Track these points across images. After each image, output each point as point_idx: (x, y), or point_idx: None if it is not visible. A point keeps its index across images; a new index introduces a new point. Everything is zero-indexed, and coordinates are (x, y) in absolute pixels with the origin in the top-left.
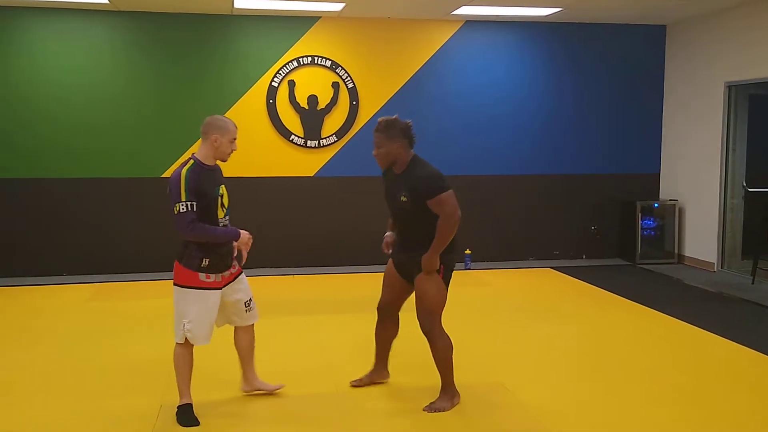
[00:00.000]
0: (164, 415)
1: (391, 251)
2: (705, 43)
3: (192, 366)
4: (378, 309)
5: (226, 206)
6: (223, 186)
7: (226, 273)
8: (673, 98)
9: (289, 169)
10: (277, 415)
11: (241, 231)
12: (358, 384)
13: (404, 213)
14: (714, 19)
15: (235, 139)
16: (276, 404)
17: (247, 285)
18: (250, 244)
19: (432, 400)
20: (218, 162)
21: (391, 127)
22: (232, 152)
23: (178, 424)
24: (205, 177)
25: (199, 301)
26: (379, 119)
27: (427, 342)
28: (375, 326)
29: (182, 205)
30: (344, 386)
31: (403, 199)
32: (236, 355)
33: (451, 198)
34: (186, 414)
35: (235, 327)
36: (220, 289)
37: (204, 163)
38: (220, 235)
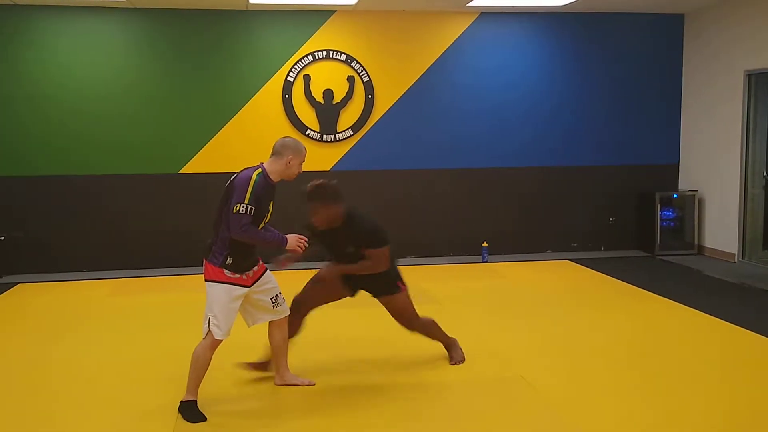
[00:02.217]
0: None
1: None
2: (723, 31)
3: (208, 366)
4: (294, 303)
5: (267, 220)
6: (272, 203)
7: (250, 272)
8: (692, 88)
9: (305, 164)
10: (301, 408)
11: (288, 236)
12: (251, 364)
13: (348, 257)
14: (732, 6)
15: (303, 161)
16: (302, 397)
17: (274, 281)
18: (302, 243)
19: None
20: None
21: (321, 195)
22: (298, 174)
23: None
24: (268, 189)
25: (224, 294)
26: (309, 187)
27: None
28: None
29: (243, 206)
30: (358, 378)
31: (351, 250)
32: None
33: (387, 252)
34: (192, 410)
35: (269, 322)
36: (248, 287)
37: (270, 177)
38: (269, 240)
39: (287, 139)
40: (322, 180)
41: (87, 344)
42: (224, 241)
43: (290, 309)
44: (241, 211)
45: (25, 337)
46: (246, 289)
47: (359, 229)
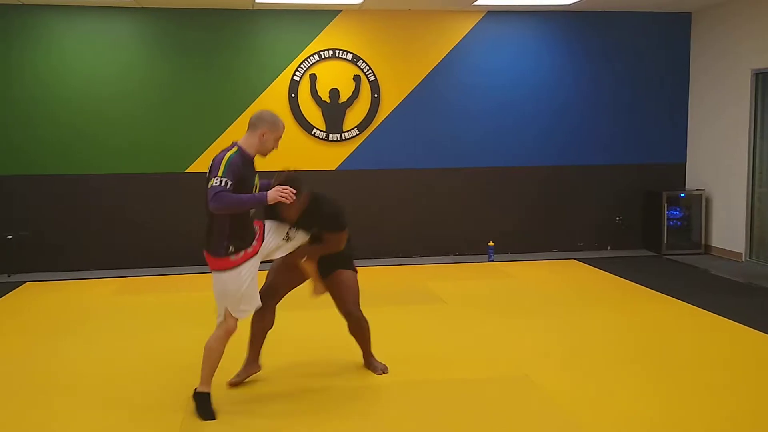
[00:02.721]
0: (192, 407)
1: None
2: (731, 30)
3: (221, 357)
4: (263, 294)
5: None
6: (257, 176)
7: (254, 242)
8: (699, 86)
9: (312, 163)
10: (312, 409)
11: (270, 191)
12: (236, 382)
13: (311, 237)
14: (740, 5)
15: (280, 137)
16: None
17: (276, 227)
18: (286, 193)
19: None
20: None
21: (297, 186)
22: (273, 150)
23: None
24: (246, 164)
25: (235, 279)
26: (284, 184)
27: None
28: (252, 316)
29: (217, 179)
30: (362, 378)
31: (314, 230)
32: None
33: (344, 236)
34: (205, 405)
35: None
36: (256, 253)
37: (246, 152)
38: (246, 201)
39: (264, 112)
40: (284, 174)
41: (93, 342)
42: (220, 228)
43: (261, 302)
44: (215, 184)
45: (33, 334)
46: (256, 257)
47: (321, 213)
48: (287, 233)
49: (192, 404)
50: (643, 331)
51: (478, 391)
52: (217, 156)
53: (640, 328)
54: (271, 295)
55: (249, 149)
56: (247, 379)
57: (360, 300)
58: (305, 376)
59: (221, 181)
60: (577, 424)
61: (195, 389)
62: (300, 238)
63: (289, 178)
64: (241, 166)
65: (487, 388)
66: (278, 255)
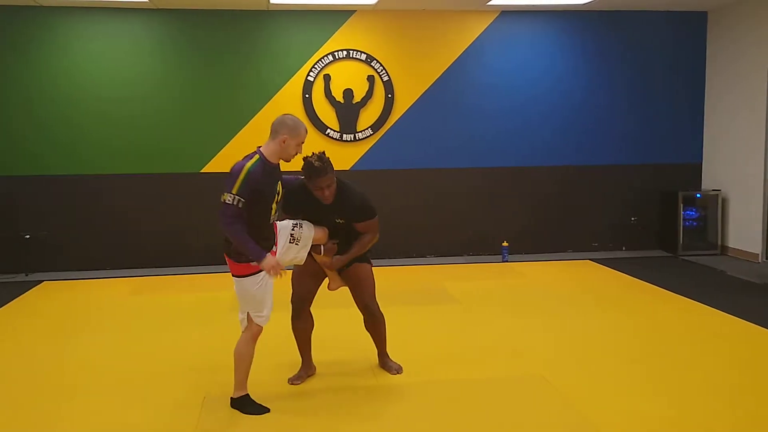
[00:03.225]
0: (208, 406)
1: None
2: (747, 29)
3: (252, 359)
4: (296, 302)
5: (279, 201)
6: (279, 183)
7: (273, 248)
8: (715, 86)
9: None
10: (327, 406)
11: (268, 256)
12: (296, 383)
13: (337, 230)
14: (757, 4)
15: (302, 143)
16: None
17: (285, 227)
18: (278, 271)
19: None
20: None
21: (330, 164)
22: (296, 155)
23: (224, 414)
24: (267, 174)
25: (254, 284)
26: (315, 162)
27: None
28: (292, 323)
29: (230, 196)
30: (374, 377)
31: (340, 221)
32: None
33: (377, 223)
34: (251, 404)
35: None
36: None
37: (269, 160)
38: (247, 249)
39: (286, 117)
40: (314, 154)
41: (109, 341)
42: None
43: (294, 313)
44: (227, 201)
45: (49, 333)
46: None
47: (349, 201)
48: (291, 235)
49: (209, 407)
50: (659, 332)
51: (493, 391)
52: (238, 163)
53: (656, 328)
54: (301, 301)
55: (271, 157)
56: (302, 380)
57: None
58: (320, 375)
59: (234, 199)
60: (594, 425)
61: (231, 397)
62: (306, 238)
63: (318, 159)
64: (261, 176)
65: (503, 388)
66: (294, 260)
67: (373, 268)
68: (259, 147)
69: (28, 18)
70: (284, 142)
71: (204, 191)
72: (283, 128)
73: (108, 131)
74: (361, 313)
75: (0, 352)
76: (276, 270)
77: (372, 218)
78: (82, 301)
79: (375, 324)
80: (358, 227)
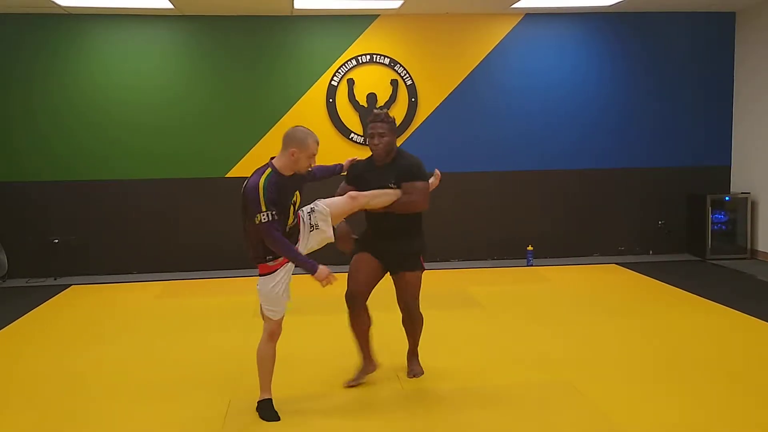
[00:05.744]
0: (234, 409)
1: (356, 242)
2: None
3: (274, 362)
4: (349, 299)
5: (299, 204)
6: (297, 192)
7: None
8: (744, 87)
9: None
10: (353, 410)
11: (320, 267)
12: (354, 384)
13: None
14: None
15: (314, 155)
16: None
17: (305, 221)
18: (331, 280)
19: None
20: None
21: (391, 119)
22: (309, 166)
23: (249, 419)
24: (282, 186)
25: (270, 282)
26: (376, 111)
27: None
28: (349, 320)
29: (264, 215)
30: (402, 383)
31: (392, 185)
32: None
33: (426, 189)
34: (268, 409)
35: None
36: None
37: (281, 173)
38: (299, 262)
39: (296, 129)
40: (375, 112)
41: (137, 344)
42: (257, 248)
43: (350, 309)
44: (263, 220)
45: (78, 336)
46: (286, 268)
47: (403, 162)
48: (309, 224)
49: (235, 410)
50: (687, 338)
51: (521, 398)
52: (250, 183)
53: (684, 334)
54: (357, 296)
55: (283, 169)
56: (361, 381)
57: (390, 307)
58: (344, 379)
59: (268, 216)
60: None
61: (258, 400)
62: (323, 219)
63: (381, 108)
64: (276, 185)
65: (530, 394)
66: (322, 242)
67: (424, 270)
68: (272, 158)
69: (56, 26)
70: (293, 155)
71: (229, 195)
72: (293, 142)
73: (134, 137)
74: (400, 312)
75: (28, 355)
76: (329, 280)
77: (419, 180)
78: (110, 304)
79: (411, 322)
80: (404, 187)
